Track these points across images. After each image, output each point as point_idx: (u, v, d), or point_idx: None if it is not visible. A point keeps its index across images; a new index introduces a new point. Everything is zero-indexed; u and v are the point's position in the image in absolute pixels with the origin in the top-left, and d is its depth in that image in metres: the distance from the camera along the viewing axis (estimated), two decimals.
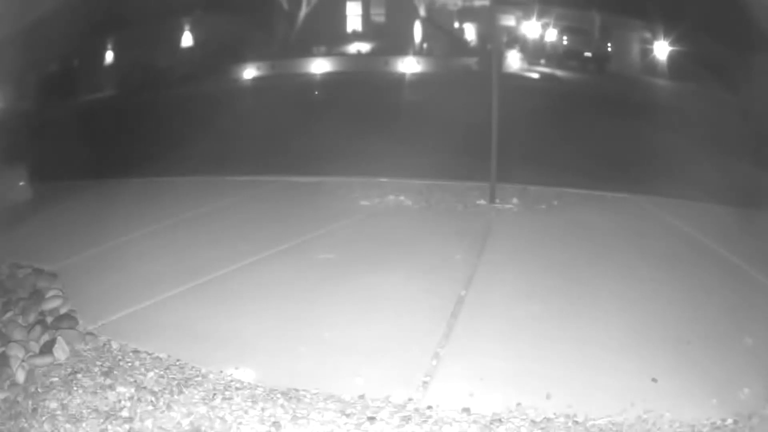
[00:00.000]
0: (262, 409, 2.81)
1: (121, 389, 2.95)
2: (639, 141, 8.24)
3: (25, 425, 2.74)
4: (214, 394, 2.91)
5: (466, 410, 2.78)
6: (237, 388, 2.96)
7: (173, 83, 14.38)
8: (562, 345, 3.27)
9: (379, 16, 19.45)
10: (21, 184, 5.94)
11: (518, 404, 2.80)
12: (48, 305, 3.77)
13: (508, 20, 17.29)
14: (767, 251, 4.33)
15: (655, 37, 14.45)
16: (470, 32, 19.01)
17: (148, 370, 3.11)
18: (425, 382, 2.98)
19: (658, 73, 14.11)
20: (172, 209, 5.49)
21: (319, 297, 3.85)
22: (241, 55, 16.59)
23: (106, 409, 2.82)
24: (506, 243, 4.71)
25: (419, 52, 18.06)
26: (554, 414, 2.75)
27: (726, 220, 5.08)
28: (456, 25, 19.07)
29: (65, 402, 2.87)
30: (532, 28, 17.38)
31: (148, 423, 2.73)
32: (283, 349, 3.29)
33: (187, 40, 16.96)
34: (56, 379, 3.07)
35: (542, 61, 17.26)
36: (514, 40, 17.49)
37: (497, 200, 5.64)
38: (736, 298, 3.79)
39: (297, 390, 2.93)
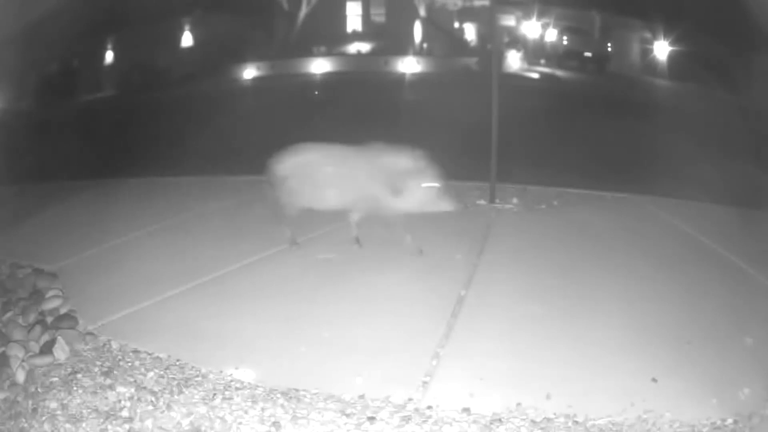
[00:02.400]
0: (262, 409, 2.81)
1: (121, 389, 2.95)
2: (639, 141, 8.23)
3: (25, 425, 2.74)
4: (214, 394, 2.92)
5: (466, 410, 2.78)
6: (237, 388, 2.97)
7: (173, 83, 14.37)
8: (562, 345, 3.28)
9: (379, 16, 19.42)
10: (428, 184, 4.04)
11: (518, 404, 2.80)
12: (48, 305, 3.78)
13: (508, 20, 17.27)
14: (767, 251, 4.32)
15: (655, 37, 14.43)
16: (470, 32, 18.99)
17: (148, 370, 3.11)
18: (425, 382, 2.98)
19: (658, 73, 14.08)
20: (172, 209, 5.49)
21: (319, 297, 3.86)
22: (241, 55, 16.57)
23: (106, 409, 2.82)
24: (506, 243, 4.71)
25: (419, 52, 18.03)
26: (554, 414, 2.75)
27: (726, 220, 5.08)
28: (456, 25, 19.05)
29: (65, 402, 2.88)
30: (532, 28, 17.37)
31: (148, 423, 2.73)
32: (283, 349, 3.29)
33: (187, 40, 16.93)
34: (56, 379, 3.07)
35: (542, 61, 17.24)
36: (514, 40, 17.47)
37: (497, 200, 5.64)
38: (736, 298, 3.79)
39: (297, 390, 2.93)
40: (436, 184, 4.00)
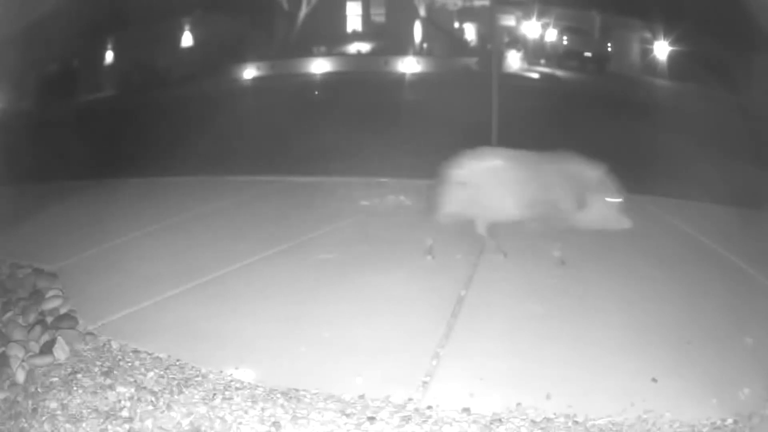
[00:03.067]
0: (262, 409, 2.81)
1: (121, 389, 2.95)
2: (639, 141, 8.23)
3: (25, 425, 2.74)
4: (214, 394, 2.91)
5: (466, 410, 2.78)
6: (237, 388, 2.97)
7: (173, 83, 14.39)
8: (562, 345, 3.28)
9: (379, 16, 19.42)
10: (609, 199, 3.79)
11: (518, 404, 2.80)
12: (48, 305, 3.77)
13: (508, 20, 17.28)
14: (767, 251, 4.33)
15: (655, 37, 14.43)
16: (470, 32, 18.99)
17: (148, 370, 3.11)
18: (425, 382, 2.98)
19: (658, 73, 14.09)
20: (172, 209, 5.49)
21: (319, 297, 3.86)
22: (241, 55, 16.58)
23: (106, 409, 2.82)
24: (506, 243, 4.71)
25: (419, 52, 18.03)
26: (554, 414, 2.75)
27: (726, 220, 5.08)
28: (456, 25, 19.05)
29: (65, 402, 2.88)
30: (532, 28, 17.37)
31: (148, 423, 2.73)
32: (283, 349, 3.29)
33: (187, 40, 16.94)
34: (56, 379, 3.07)
35: (542, 61, 17.25)
36: (514, 40, 17.47)
37: None
38: (736, 298, 3.78)
39: (297, 390, 2.93)
40: (618, 200, 3.78)
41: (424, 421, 2.72)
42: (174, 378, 3.05)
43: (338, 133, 8.12)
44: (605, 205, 3.79)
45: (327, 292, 3.91)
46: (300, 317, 3.60)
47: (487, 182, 3.87)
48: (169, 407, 2.82)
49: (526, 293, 3.84)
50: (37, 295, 3.92)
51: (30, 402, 2.89)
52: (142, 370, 3.13)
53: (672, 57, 13.84)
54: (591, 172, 3.81)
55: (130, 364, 3.19)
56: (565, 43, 16.96)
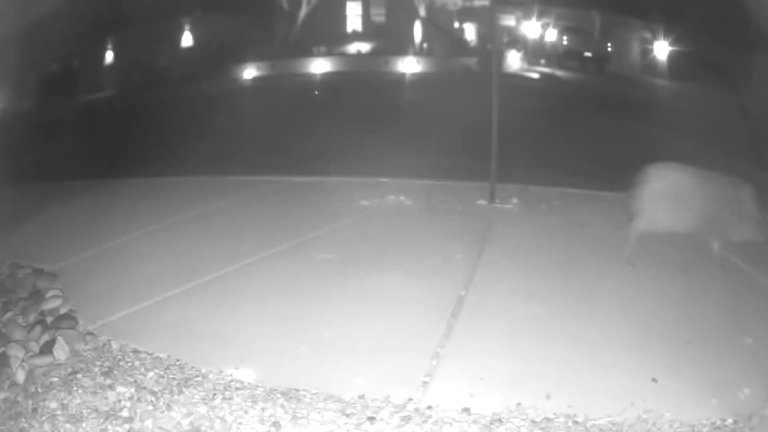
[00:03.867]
0: (262, 409, 2.81)
1: (121, 389, 2.95)
2: (639, 141, 8.23)
3: (25, 425, 2.74)
4: (214, 394, 2.92)
5: (466, 410, 2.78)
6: (237, 388, 2.97)
7: (173, 83, 14.39)
8: (562, 345, 3.28)
9: (379, 16, 19.44)
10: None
11: (518, 404, 2.80)
12: (48, 305, 3.78)
13: (508, 20, 17.29)
14: (767, 251, 4.32)
15: (655, 37, 14.45)
16: (470, 32, 19.01)
17: (148, 370, 3.11)
18: (425, 382, 2.98)
19: (658, 73, 14.10)
20: (172, 209, 5.49)
21: (318, 297, 3.86)
22: (241, 55, 16.59)
23: (106, 409, 2.83)
24: (506, 243, 4.71)
25: (419, 52, 18.05)
26: (554, 414, 2.75)
27: None
28: (456, 25, 19.06)
29: (65, 402, 2.88)
30: (532, 28, 17.39)
31: (148, 423, 2.73)
32: (283, 349, 3.29)
33: (187, 40, 16.96)
34: (56, 379, 3.07)
35: (542, 61, 17.27)
36: (514, 40, 17.48)
37: (497, 200, 5.64)
38: (736, 299, 3.79)
39: (297, 390, 2.93)
40: (761, 215, 4.01)
41: (424, 421, 2.72)
42: (174, 378, 3.05)
43: (338, 133, 8.12)
44: (757, 222, 4.02)
45: (327, 292, 3.91)
46: (300, 317, 3.60)
47: (675, 196, 4.11)
48: (169, 407, 2.82)
49: (525, 293, 3.84)
50: (37, 295, 3.92)
51: (30, 402, 2.89)
52: (142, 370, 3.13)
53: (672, 57, 13.85)
54: (746, 190, 4.06)
55: (130, 364, 3.19)
56: (565, 43, 16.99)
